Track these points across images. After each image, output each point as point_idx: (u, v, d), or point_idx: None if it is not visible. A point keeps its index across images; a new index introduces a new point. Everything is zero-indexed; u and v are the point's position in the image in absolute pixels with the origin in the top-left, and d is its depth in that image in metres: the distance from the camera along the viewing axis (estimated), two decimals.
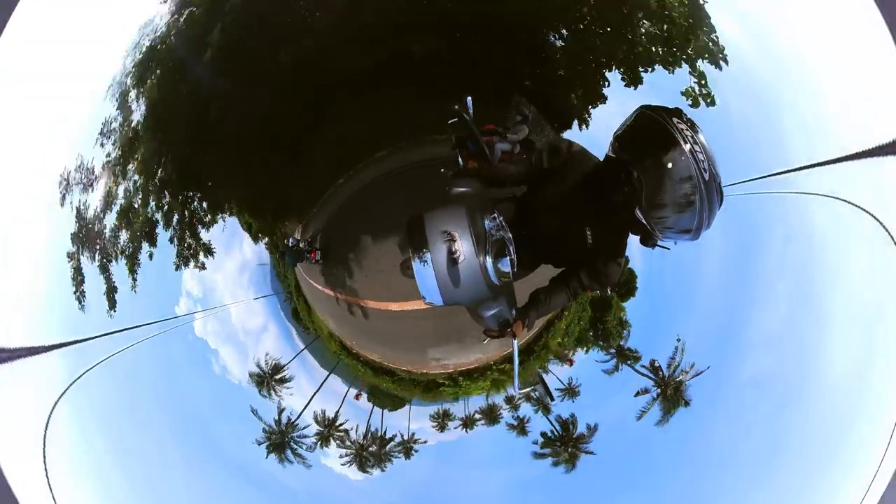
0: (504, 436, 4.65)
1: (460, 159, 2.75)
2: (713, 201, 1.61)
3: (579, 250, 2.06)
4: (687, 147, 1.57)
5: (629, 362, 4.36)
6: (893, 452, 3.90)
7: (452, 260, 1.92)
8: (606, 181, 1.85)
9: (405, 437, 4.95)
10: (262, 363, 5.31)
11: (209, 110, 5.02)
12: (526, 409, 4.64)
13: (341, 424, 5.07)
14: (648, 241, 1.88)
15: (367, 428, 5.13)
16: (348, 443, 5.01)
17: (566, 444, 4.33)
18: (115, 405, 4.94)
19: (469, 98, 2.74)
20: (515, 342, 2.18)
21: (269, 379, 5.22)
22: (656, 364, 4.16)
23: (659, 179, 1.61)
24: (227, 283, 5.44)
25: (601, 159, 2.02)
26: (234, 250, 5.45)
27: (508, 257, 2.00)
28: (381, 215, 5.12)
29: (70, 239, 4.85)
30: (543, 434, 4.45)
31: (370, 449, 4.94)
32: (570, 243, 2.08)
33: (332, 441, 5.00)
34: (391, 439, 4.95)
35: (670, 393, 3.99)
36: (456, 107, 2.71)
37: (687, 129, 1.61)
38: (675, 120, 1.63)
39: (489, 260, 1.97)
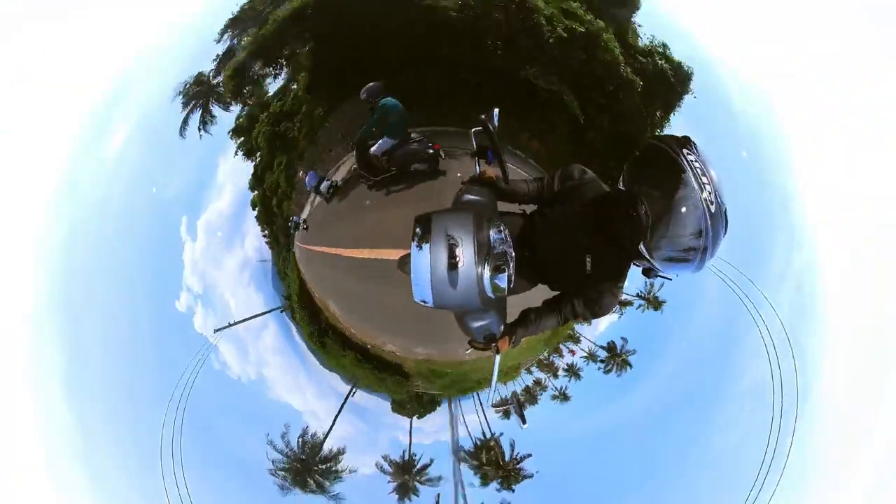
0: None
1: (477, 167, 2.69)
2: (718, 235, 1.61)
3: (577, 277, 2.05)
4: (697, 187, 1.57)
5: (628, 307, 6.87)
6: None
7: (452, 264, 1.91)
8: (613, 211, 1.84)
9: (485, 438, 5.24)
10: (283, 448, 3.81)
11: None
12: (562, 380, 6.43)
13: (416, 460, 4.18)
14: (650, 272, 1.87)
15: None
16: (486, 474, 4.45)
17: (616, 357, 6.58)
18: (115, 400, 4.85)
19: (496, 110, 2.66)
20: (498, 357, 2.20)
21: (308, 470, 3.64)
22: (639, 292, 6.74)
23: (667, 217, 1.61)
24: (228, 281, 5.33)
25: (611, 190, 2.03)
26: (236, 248, 5.33)
27: (506, 273, 1.97)
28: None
29: None
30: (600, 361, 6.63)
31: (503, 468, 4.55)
32: (569, 269, 2.08)
33: (417, 487, 4.07)
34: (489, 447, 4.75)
35: (652, 300, 6.70)
36: (483, 116, 2.64)
37: (696, 161, 1.60)
38: (685, 152, 1.62)
39: (487, 272, 1.95)
